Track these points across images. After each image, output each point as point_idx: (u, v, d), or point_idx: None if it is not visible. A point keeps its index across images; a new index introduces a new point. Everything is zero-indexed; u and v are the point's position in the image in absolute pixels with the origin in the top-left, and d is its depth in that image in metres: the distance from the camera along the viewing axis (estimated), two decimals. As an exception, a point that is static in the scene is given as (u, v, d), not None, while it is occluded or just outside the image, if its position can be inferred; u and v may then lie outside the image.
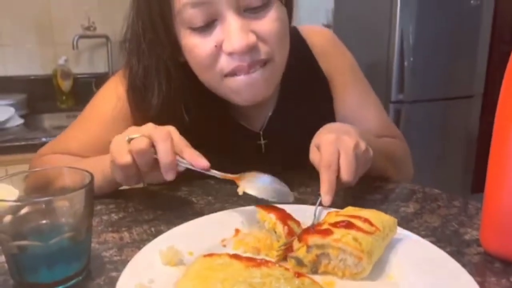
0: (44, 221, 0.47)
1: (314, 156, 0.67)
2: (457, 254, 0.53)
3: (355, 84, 0.92)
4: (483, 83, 2.66)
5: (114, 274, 0.49)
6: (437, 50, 2.47)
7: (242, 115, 0.86)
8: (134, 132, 0.61)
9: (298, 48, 0.88)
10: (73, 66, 2.35)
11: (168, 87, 0.76)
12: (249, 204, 0.64)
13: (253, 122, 0.87)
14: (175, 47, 0.73)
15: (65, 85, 2.29)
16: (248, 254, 0.52)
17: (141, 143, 0.59)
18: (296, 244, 0.49)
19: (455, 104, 2.60)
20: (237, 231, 0.57)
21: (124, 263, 0.49)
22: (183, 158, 0.60)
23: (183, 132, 0.64)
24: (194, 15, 0.67)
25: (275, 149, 0.87)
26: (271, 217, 0.54)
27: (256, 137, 0.86)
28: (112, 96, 0.83)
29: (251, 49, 0.67)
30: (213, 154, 0.78)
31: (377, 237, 0.49)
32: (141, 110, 0.78)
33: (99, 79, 2.38)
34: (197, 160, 0.60)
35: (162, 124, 0.68)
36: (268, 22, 0.69)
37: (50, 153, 0.84)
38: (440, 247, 0.53)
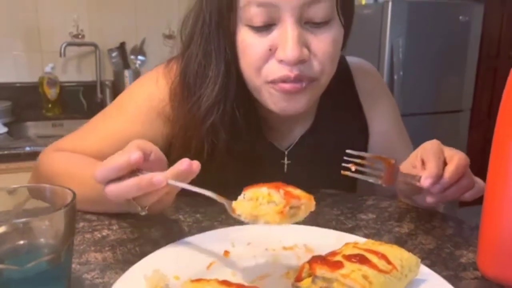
0: (21, 242, 0.44)
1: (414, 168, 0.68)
2: (454, 279, 0.51)
3: (393, 128, 0.95)
4: (472, 97, 2.68)
5: (95, 299, 0.47)
6: (426, 64, 2.49)
7: (272, 132, 0.85)
8: None
9: (343, 81, 0.88)
10: (60, 74, 2.32)
11: (225, 73, 0.73)
12: (239, 223, 0.61)
13: (281, 141, 0.86)
14: (234, 40, 0.72)
15: (51, 93, 2.25)
16: (247, 220, 0.48)
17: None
18: (305, 271, 0.46)
19: (444, 118, 2.62)
20: (226, 253, 0.55)
21: (107, 286, 0.46)
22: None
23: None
24: (256, 14, 0.67)
25: (297, 171, 0.85)
26: (263, 190, 0.48)
27: (280, 156, 0.85)
28: (150, 88, 0.80)
29: (302, 63, 0.67)
30: (234, 162, 0.77)
31: (392, 277, 0.45)
32: (190, 102, 0.75)
33: (87, 88, 2.36)
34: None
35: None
36: (325, 43, 0.68)
37: (66, 147, 0.79)
38: (436, 271, 0.52)
